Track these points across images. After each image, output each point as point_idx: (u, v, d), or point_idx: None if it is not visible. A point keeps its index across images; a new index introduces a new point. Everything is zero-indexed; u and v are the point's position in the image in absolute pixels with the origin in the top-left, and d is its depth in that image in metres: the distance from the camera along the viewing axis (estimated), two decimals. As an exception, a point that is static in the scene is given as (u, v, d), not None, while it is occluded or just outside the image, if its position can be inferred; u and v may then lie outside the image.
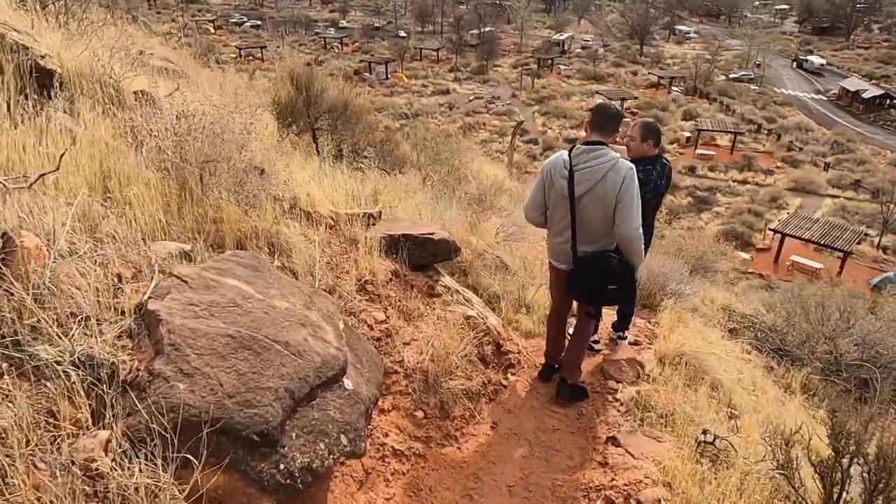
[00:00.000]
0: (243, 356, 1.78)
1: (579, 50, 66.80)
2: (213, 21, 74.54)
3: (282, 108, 5.05)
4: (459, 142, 7.59)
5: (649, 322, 5.36)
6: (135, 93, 3.47)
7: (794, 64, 62.22)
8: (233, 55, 53.26)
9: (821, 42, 71.85)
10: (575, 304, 4.01)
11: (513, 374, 3.87)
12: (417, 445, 2.78)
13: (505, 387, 3.67)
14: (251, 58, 55.04)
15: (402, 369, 2.99)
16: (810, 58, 62.30)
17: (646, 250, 4.48)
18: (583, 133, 4.00)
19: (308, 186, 4.11)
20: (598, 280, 3.36)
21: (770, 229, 28.76)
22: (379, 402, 2.72)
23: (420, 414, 2.92)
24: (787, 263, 26.29)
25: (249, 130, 3.07)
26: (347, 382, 2.02)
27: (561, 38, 69.31)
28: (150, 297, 1.89)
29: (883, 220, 28.46)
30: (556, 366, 4.03)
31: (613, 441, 3.20)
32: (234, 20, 77.30)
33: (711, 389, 4.26)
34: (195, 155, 2.76)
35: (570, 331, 4.32)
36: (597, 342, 4.67)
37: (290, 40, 67.46)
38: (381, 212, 3.95)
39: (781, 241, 26.91)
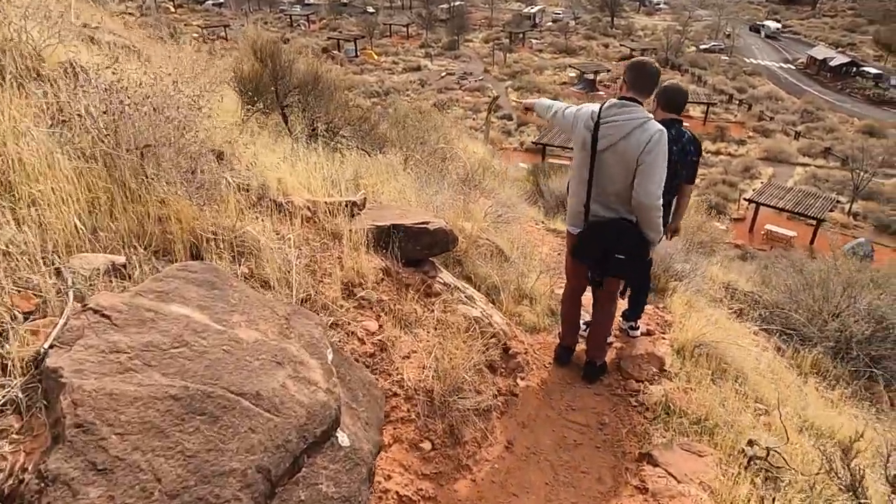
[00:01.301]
0: (193, 426, 1.25)
1: (550, 23, 65.88)
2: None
3: (245, 84, 4.43)
4: (442, 118, 7.03)
5: (658, 308, 4.96)
6: (60, 63, 2.84)
7: (760, 33, 62.95)
8: (195, 35, 51.15)
9: (788, 11, 72.25)
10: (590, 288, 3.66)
11: (522, 378, 3.42)
12: (426, 486, 2.30)
13: (516, 395, 3.21)
14: (215, 37, 52.85)
15: (402, 390, 2.50)
16: (766, 23, 63.67)
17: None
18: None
19: (279, 171, 3.54)
20: (610, 244, 3.09)
21: (745, 199, 28.88)
22: (377, 436, 2.23)
23: (427, 445, 2.44)
24: (762, 233, 26.45)
25: (200, 105, 2.50)
26: (342, 437, 1.52)
27: (532, 11, 68.23)
28: (52, 346, 1.34)
29: (854, 186, 28.79)
30: (573, 348, 3.75)
31: (649, 458, 2.78)
32: (194, -2, 74.14)
33: (735, 382, 3.88)
34: (132, 137, 2.18)
35: (583, 323, 3.93)
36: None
37: (255, 18, 64.96)
38: (365, 199, 3.41)
39: (756, 211, 27.04)
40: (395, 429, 2.37)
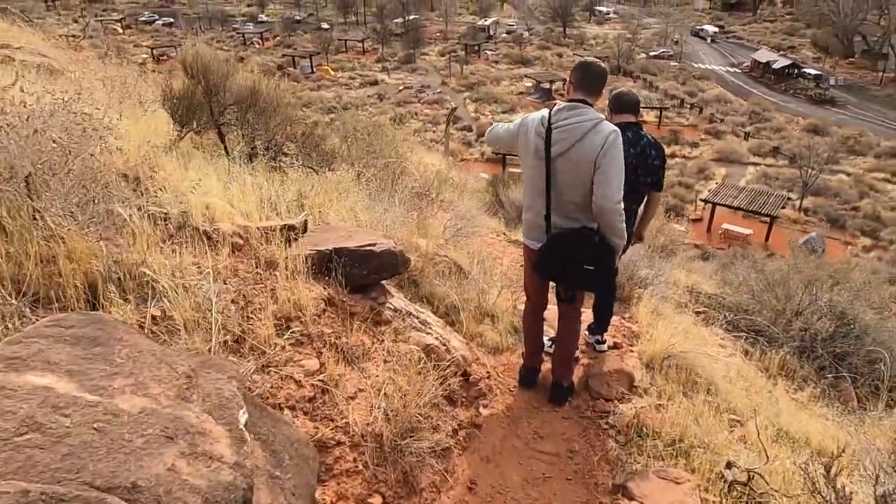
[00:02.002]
0: (29, 548, 0.96)
1: (505, 35, 66.80)
2: (120, 21, 69.57)
3: (176, 102, 4.09)
4: (394, 131, 6.79)
5: (624, 318, 4.81)
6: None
7: (705, 38, 65.65)
8: (145, 56, 49.76)
9: (730, 17, 75.19)
10: (555, 302, 3.47)
11: (485, 406, 3.18)
12: (377, 549, 2.03)
13: (479, 427, 2.97)
14: (165, 58, 51.54)
15: (347, 437, 2.22)
16: (705, 27, 66.74)
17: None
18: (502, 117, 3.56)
19: (208, 195, 3.24)
20: (572, 255, 2.91)
21: (701, 200, 29.60)
22: (317, 494, 1.94)
23: (377, 500, 2.16)
24: (720, 232, 27.09)
25: (95, 126, 2.18)
26: (254, 523, 1.25)
27: (486, 23, 69.07)
28: None
29: (803, 183, 29.82)
30: (538, 368, 3.54)
31: (623, 490, 2.57)
32: (143, 19, 72.34)
33: (707, 394, 3.73)
34: (10, 165, 1.86)
35: (547, 339, 3.73)
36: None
37: (207, 37, 63.86)
38: (306, 221, 3.13)
39: (712, 211, 27.71)
40: (338, 484, 2.09)
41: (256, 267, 2.59)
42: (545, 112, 2.95)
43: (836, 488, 2.30)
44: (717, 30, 67.63)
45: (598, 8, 78.54)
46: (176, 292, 2.05)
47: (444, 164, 10.37)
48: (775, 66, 50.75)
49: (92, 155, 2.12)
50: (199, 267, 2.31)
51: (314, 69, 53.40)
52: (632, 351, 4.04)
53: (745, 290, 6.72)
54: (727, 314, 6.34)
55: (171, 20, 72.21)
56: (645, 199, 3.68)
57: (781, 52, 56.64)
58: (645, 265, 5.80)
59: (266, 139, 4.26)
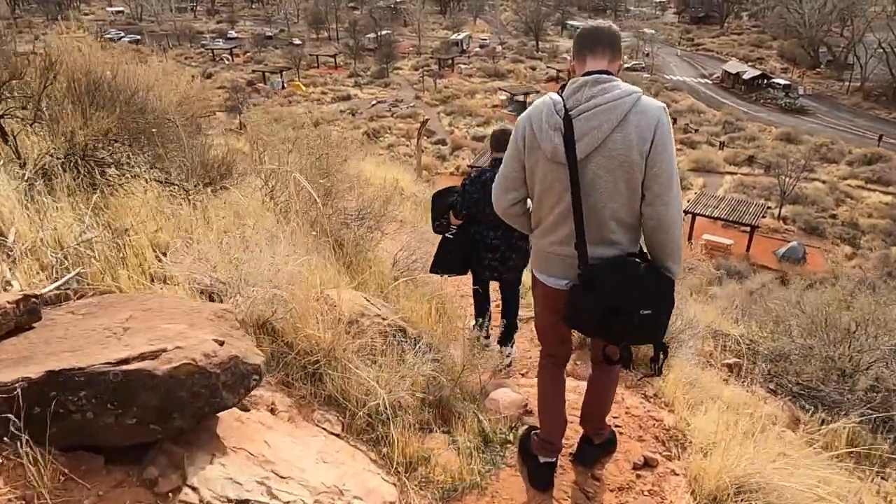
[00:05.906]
0: None
1: (478, 49, 66.19)
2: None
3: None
4: (327, 133, 5.20)
5: (647, 398, 3.26)
6: None
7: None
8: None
9: (699, 30, 75.95)
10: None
11: None
12: None
13: None
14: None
15: None
16: (644, 29, 67.36)
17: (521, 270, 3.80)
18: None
19: None
20: (624, 297, 2.00)
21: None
22: None
23: None
24: (701, 242, 26.07)
25: None
26: None
27: (459, 37, 68.41)
28: None
29: (780, 191, 29.04)
30: (556, 459, 2.47)
31: None
32: (109, 36, 69.89)
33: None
34: None
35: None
36: (509, 354, 3.71)
37: (175, 54, 61.69)
38: (29, 301, 1.50)
39: (693, 221, 26.72)
40: None
41: None
42: (554, 95, 2.04)
43: None
44: (653, 31, 68.15)
45: (569, 22, 78.71)
46: None
47: (405, 175, 8.81)
48: (745, 76, 50.80)
49: None
50: None
51: (285, 85, 51.76)
52: (675, 473, 2.48)
53: (782, 332, 5.26)
54: (764, 366, 4.87)
55: (139, 37, 69.98)
56: None
57: (750, 63, 56.95)
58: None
59: (71, 140, 2.61)
